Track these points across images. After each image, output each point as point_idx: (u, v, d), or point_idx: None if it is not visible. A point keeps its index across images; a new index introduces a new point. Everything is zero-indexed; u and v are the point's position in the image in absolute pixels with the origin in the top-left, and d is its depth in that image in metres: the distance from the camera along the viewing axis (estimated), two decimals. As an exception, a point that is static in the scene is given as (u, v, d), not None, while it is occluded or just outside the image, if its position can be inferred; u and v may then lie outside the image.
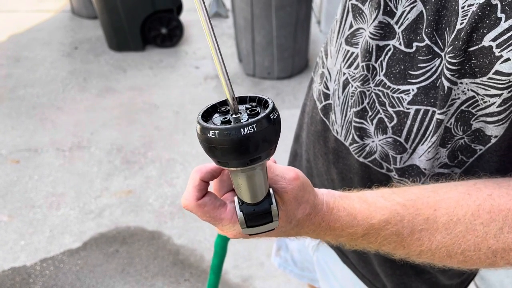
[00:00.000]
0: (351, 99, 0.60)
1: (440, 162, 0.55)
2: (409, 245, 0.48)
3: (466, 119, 0.50)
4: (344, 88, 0.61)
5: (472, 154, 0.53)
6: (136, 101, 3.10)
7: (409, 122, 0.54)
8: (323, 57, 0.69)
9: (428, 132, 0.53)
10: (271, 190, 0.43)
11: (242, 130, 0.33)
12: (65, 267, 1.94)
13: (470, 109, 0.48)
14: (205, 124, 0.35)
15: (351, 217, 0.48)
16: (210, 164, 0.45)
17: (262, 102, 0.38)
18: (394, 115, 0.55)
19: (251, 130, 0.34)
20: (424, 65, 0.50)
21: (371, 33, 0.54)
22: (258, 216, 0.42)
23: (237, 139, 0.33)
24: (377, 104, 0.57)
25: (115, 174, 2.44)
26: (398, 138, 0.56)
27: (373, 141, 0.59)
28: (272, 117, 0.35)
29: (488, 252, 0.45)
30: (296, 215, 0.46)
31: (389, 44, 0.53)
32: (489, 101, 0.46)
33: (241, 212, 0.42)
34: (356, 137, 0.61)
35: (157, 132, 2.78)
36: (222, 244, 0.85)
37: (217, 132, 0.34)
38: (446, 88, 0.48)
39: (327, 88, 0.67)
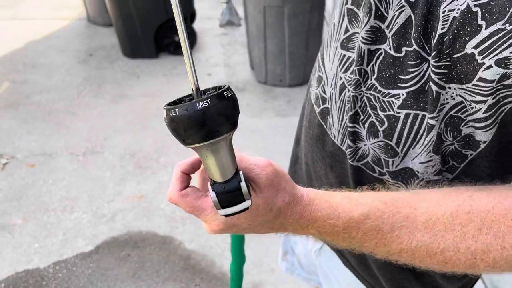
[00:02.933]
0: (348, 103, 0.60)
1: (435, 170, 0.55)
2: (390, 242, 0.49)
3: (456, 125, 0.50)
4: (340, 93, 0.62)
5: (463, 159, 0.53)
6: (149, 107, 3.14)
7: (399, 126, 0.54)
8: (320, 61, 0.70)
9: (418, 136, 0.53)
10: (240, 172, 0.46)
11: (197, 105, 0.38)
12: (78, 270, 1.96)
13: (459, 114, 0.49)
14: (168, 107, 0.40)
15: (332, 209, 0.49)
16: (189, 158, 0.49)
17: (221, 88, 0.42)
18: (384, 119, 0.55)
19: (205, 104, 0.38)
20: (413, 69, 0.50)
21: (363, 38, 0.54)
22: (229, 195, 0.45)
23: (194, 113, 0.38)
24: (368, 108, 0.57)
25: (127, 179, 2.47)
26: (389, 141, 0.56)
27: (365, 145, 0.60)
28: (226, 94, 0.40)
29: (467, 253, 0.46)
30: (275, 202, 0.48)
31: (380, 49, 0.53)
32: (475, 107, 0.46)
33: (213, 192, 0.45)
34: (349, 142, 0.61)
35: (170, 138, 2.79)
36: (237, 271, 0.84)
37: (177, 110, 0.39)
38: (434, 92, 0.48)
39: (324, 92, 0.67)
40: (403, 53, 0.51)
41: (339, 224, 0.49)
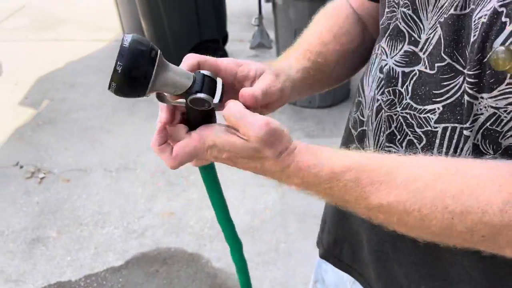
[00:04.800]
0: (384, 124, 0.62)
1: None
2: (368, 195, 0.49)
3: (494, 138, 0.49)
4: (377, 114, 0.63)
5: None
6: (181, 126, 3.21)
7: (437, 141, 0.54)
8: (360, 87, 0.72)
9: (458, 150, 0.53)
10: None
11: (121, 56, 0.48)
12: (108, 284, 2.00)
13: (494, 127, 0.49)
14: (109, 84, 0.50)
15: (317, 160, 0.52)
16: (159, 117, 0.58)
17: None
18: (422, 136, 0.56)
19: (125, 46, 0.48)
20: (447, 83, 0.51)
21: (396, 61, 0.57)
22: (204, 85, 0.55)
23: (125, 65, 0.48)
24: (405, 127, 0.58)
25: (158, 196, 2.52)
26: None
27: None
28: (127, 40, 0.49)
29: (444, 212, 0.45)
30: (266, 154, 0.52)
31: (414, 70, 0.55)
32: (508, 116, 0.46)
33: (196, 95, 0.54)
34: None
35: (200, 156, 2.85)
36: (239, 256, 0.82)
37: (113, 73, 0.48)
38: (466, 102, 0.49)
39: (363, 115, 0.69)
40: (436, 69, 0.53)
41: (322, 175, 0.51)
